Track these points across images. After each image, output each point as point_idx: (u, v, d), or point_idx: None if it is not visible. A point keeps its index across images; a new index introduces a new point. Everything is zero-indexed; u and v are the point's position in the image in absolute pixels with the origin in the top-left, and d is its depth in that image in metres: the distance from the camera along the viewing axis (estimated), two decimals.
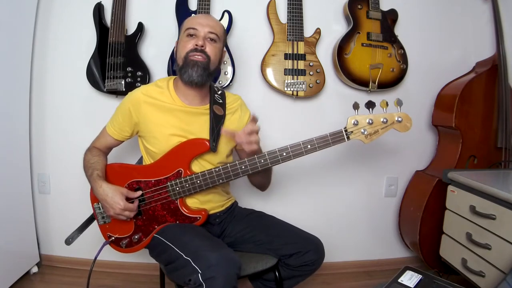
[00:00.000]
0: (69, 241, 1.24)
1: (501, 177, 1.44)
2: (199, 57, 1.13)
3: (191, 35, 1.15)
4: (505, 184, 1.34)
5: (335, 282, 1.79)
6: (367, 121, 1.11)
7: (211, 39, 1.15)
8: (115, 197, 1.11)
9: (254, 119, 1.09)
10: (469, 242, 1.29)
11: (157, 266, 1.55)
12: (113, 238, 1.21)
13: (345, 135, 1.11)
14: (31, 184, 1.69)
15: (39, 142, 1.73)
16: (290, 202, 1.81)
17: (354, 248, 1.90)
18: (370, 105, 1.09)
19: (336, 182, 1.84)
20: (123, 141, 1.27)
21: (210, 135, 1.17)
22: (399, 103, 1.10)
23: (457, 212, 1.38)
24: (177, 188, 1.15)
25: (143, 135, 1.20)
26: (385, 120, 1.11)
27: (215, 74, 1.24)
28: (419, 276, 1.07)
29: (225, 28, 1.59)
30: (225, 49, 1.29)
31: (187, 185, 1.14)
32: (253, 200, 1.64)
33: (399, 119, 1.11)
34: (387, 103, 1.09)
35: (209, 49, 1.14)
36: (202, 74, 1.13)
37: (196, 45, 1.13)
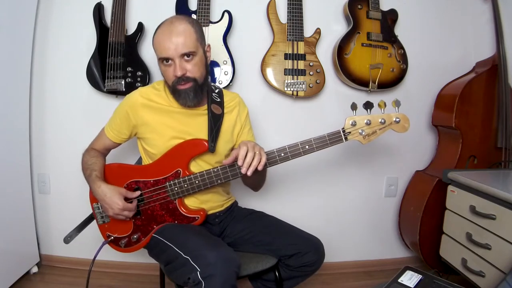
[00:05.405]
0: (67, 239, 1.24)
1: (501, 177, 1.43)
2: (186, 85, 1.10)
3: (166, 61, 1.09)
4: (505, 184, 1.34)
5: (335, 282, 1.79)
6: (365, 121, 1.10)
7: (187, 56, 1.08)
8: (114, 197, 1.11)
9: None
10: (469, 242, 1.29)
11: (157, 266, 1.55)
12: (112, 237, 1.21)
13: (343, 135, 1.10)
14: (31, 184, 1.69)
15: (39, 142, 1.73)
16: (290, 202, 1.81)
17: (354, 248, 1.90)
18: (368, 105, 1.09)
19: (336, 182, 1.84)
20: (121, 143, 1.27)
21: (209, 136, 1.16)
22: (397, 103, 1.09)
23: (457, 212, 1.38)
24: (176, 188, 1.15)
25: (142, 137, 1.20)
26: (383, 121, 1.11)
27: (208, 79, 1.20)
28: (419, 276, 1.07)
29: (226, 27, 1.60)
30: (208, 43, 1.22)
31: (185, 185, 1.14)
32: (253, 200, 1.64)
33: (397, 119, 1.11)
34: (385, 103, 1.09)
35: (190, 68, 1.09)
36: (195, 96, 1.12)
37: (176, 76, 1.08)
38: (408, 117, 1.12)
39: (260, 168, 1.01)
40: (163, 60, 1.10)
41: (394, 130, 1.13)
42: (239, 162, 1.00)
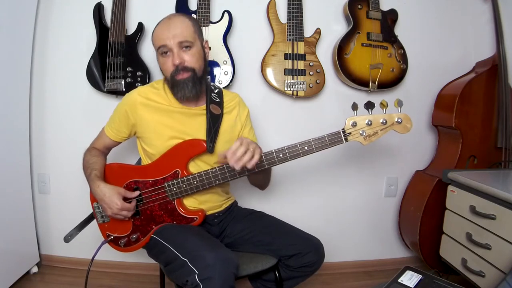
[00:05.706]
0: (68, 238, 1.25)
1: (501, 177, 1.43)
2: (184, 75, 1.11)
3: (165, 52, 1.11)
4: (505, 184, 1.34)
5: (335, 282, 1.79)
6: (366, 122, 1.08)
7: (186, 47, 1.11)
8: (113, 197, 1.11)
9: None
10: (469, 242, 1.29)
11: (157, 266, 1.55)
12: (112, 237, 1.21)
13: (343, 136, 1.09)
14: (31, 184, 1.69)
15: (39, 142, 1.73)
16: (290, 202, 1.81)
17: (354, 248, 1.90)
18: (369, 105, 1.06)
19: (336, 182, 1.84)
20: (121, 142, 1.27)
21: (207, 136, 1.16)
22: (399, 103, 1.07)
23: (457, 212, 1.38)
24: (174, 189, 1.15)
25: (141, 136, 1.20)
26: (384, 121, 1.08)
27: (206, 74, 1.22)
28: (419, 276, 1.07)
29: (226, 27, 1.61)
30: (207, 39, 1.23)
31: (184, 186, 1.14)
32: (253, 200, 1.64)
33: (399, 120, 1.08)
34: (387, 103, 1.07)
35: (188, 59, 1.11)
36: (193, 86, 1.12)
37: (175, 64, 1.10)
38: (410, 116, 1.10)
39: (249, 166, 0.99)
40: (162, 52, 1.11)
41: (396, 131, 1.10)
42: (228, 155, 0.99)
